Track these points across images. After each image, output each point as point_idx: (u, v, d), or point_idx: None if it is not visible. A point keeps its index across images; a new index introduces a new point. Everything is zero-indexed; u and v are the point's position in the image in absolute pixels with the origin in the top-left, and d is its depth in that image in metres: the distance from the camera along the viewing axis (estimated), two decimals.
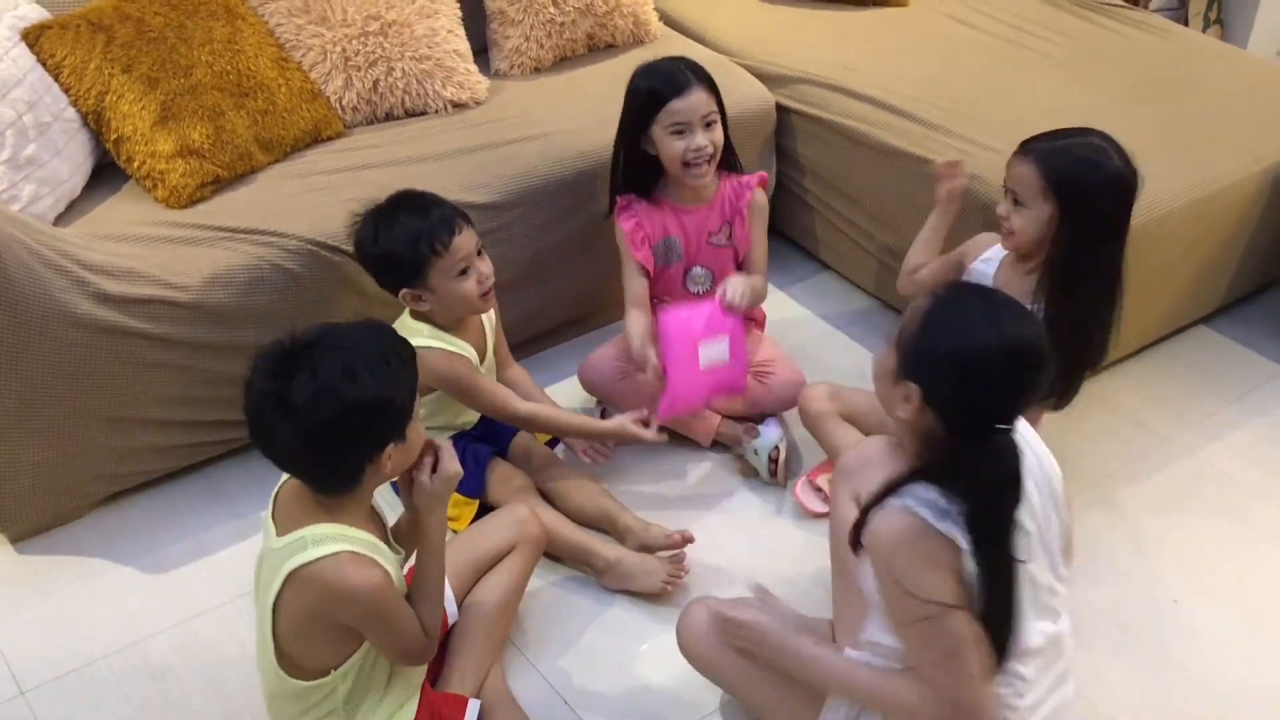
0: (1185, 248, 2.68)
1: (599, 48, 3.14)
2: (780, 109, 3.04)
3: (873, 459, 1.91)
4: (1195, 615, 2.24)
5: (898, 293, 2.51)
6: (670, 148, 2.41)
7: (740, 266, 2.60)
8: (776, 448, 2.45)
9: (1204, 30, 4.11)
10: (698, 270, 2.59)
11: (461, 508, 2.33)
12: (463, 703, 1.90)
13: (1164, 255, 2.64)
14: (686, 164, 2.41)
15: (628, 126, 2.47)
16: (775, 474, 2.47)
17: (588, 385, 2.61)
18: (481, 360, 2.32)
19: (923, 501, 1.55)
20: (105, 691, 2.09)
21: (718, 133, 2.43)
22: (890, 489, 1.59)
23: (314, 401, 1.58)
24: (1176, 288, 2.78)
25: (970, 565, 1.55)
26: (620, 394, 2.54)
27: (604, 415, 2.61)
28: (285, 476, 1.76)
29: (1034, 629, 1.66)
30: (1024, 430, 1.66)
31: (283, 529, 1.70)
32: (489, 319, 2.38)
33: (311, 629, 1.70)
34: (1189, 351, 2.91)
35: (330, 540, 1.66)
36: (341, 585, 1.64)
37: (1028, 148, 2.13)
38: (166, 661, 2.14)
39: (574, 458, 2.48)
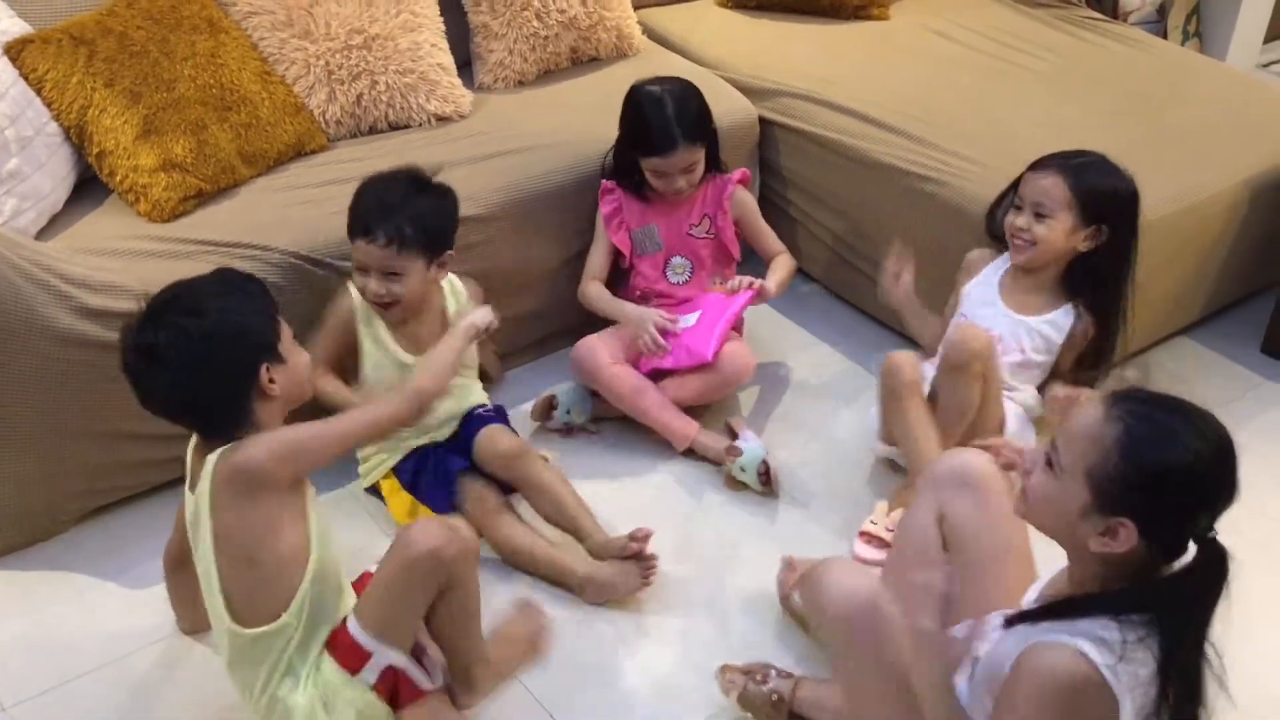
0: (1166, 259, 2.69)
1: (583, 61, 3.15)
2: (763, 122, 3.05)
3: (976, 483, 1.82)
4: None
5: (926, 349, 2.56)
6: (651, 179, 2.57)
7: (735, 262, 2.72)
8: (764, 460, 2.46)
9: (1183, 43, 4.14)
10: (677, 260, 2.64)
11: (398, 494, 2.36)
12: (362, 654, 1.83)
13: (1145, 267, 2.64)
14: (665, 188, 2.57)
15: (621, 139, 2.58)
16: (768, 484, 2.48)
17: (578, 366, 2.60)
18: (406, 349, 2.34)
19: (1098, 641, 1.41)
20: (87, 708, 2.08)
21: (698, 171, 2.56)
22: (1061, 611, 1.47)
23: (171, 344, 1.70)
24: (1157, 299, 2.79)
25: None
26: (608, 378, 2.56)
27: (554, 402, 2.63)
28: (192, 442, 1.82)
29: None
30: None
31: (195, 484, 1.77)
32: (456, 296, 2.41)
33: (252, 523, 1.71)
34: (1169, 362, 2.93)
35: (221, 448, 1.73)
36: (256, 445, 1.70)
37: (1051, 164, 2.31)
38: (148, 678, 2.13)
39: (541, 439, 2.56)
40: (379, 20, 2.79)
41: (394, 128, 2.85)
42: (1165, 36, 4.06)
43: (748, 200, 2.70)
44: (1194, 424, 1.45)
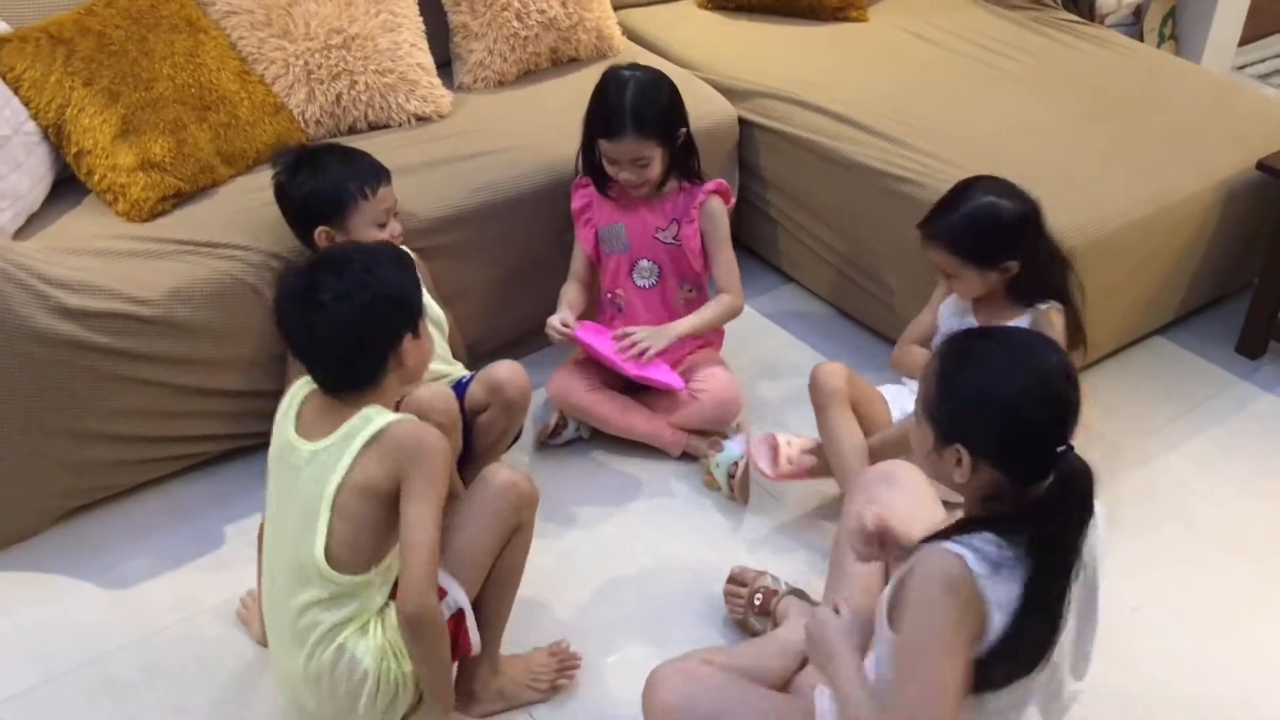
0: (1141, 260, 2.72)
1: (563, 62, 3.16)
2: (742, 123, 3.06)
3: (900, 481, 1.96)
4: (1154, 623, 2.27)
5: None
6: (606, 165, 2.51)
7: (701, 279, 2.64)
8: (736, 464, 2.47)
9: (1159, 45, 4.17)
10: (644, 263, 2.61)
11: None
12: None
13: (1120, 267, 2.67)
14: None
15: (585, 121, 2.52)
16: (734, 490, 2.49)
17: (559, 400, 2.61)
18: None
19: (978, 552, 1.49)
20: (66, 709, 2.07)
21: (652, 170, 2.46)
22: (954, 530, 1.53)
23: (343, 295, 1.76)
24: (1132, 300, 2.82)
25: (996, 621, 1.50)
26: (589, 404, 2.57)
27: (560, 423, 2.63)
28: (295, 398, 1.86)
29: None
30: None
31: (319, 434, 1.80)
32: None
33: (374, 495, 1.76)
34: (1144, 362, 2.95)
35: (390, 414, 1.81)
36: (422, 435, 1.78)
37: (929, 232, 2.27)
38: (127, 678, 2.13)
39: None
40: (358, 20, 2.78)
41: (373, 127, 2.85)
42: (1141, 39, 4.09)
43: (716, 216, 2.55)
44: (1006, 349, 1.54)
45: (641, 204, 2.55)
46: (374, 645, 1.82)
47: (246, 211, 2.50)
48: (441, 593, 1.85)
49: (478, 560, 1.92)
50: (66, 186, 2.56)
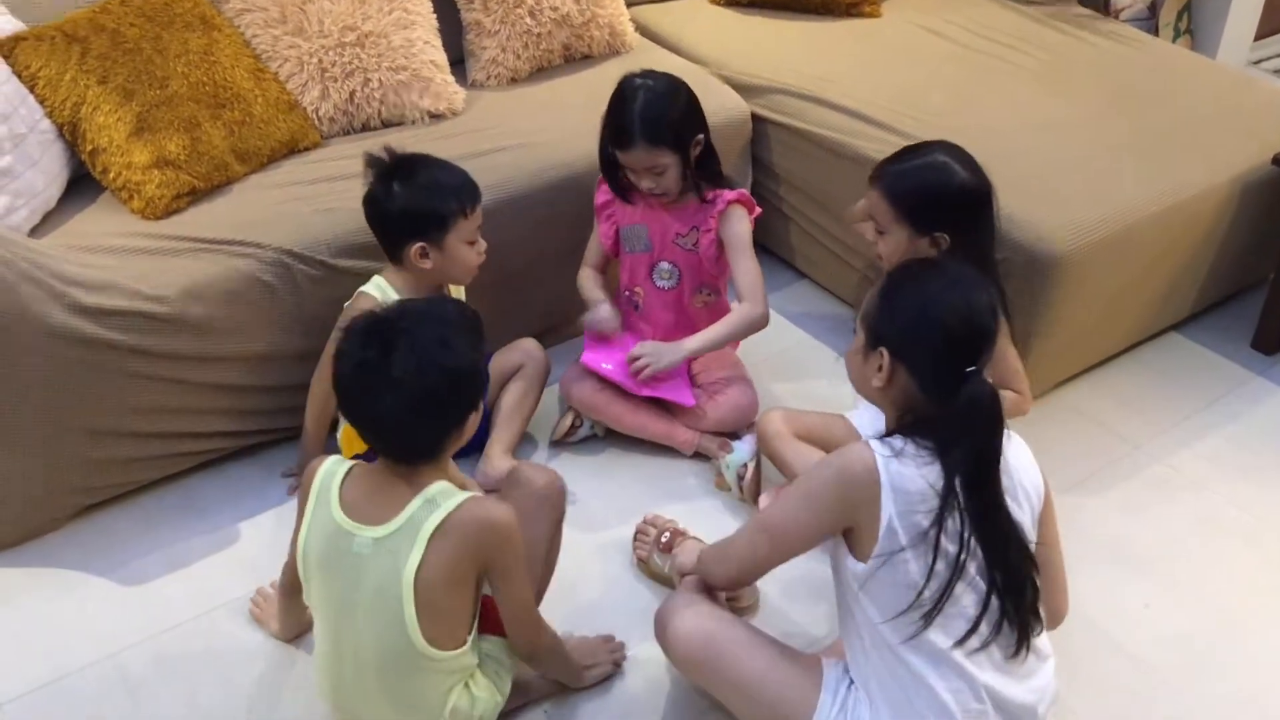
0: (1156, 256, 2.71)
1: (575, 58, 3.16)
2: (756, 119, 3.06)
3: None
4: (1167, 620, 2.26)
5: None
6: (627, 173, 2.49)
7: (720, 281, 2.64)
8: (745, 465, 2.47)
9: (1174, 40, 4.15)
10: (664, 265, 2.60)
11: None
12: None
13: (1135, 263, 2.66)
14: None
15: (601, 130, 2.50)
16: (744, 491, 2.49)
17: (571, 399, 2.62)
18: None
19: (884, 442, 1.66)
20: (80, 705, 2.08)
21: (669, 178, 2.44)
22: (888, 435, 1.70)
23: (417, 372, 1.67)
24: (1148, 295, 2.80)
25: (901, 523, 1.63)
26: (601, 403, 2.57)
27: (576, 423, 2.63)
28: (332, 479, 1.79)
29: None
30: (1010, 450, 1.72)
31: (377, 518, 1.74)
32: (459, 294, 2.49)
33: (458, 584, 1.75)
34: (1159, 358, 2.94)
35: (453, 492, 1.75)
36: (491, 518, 1.74)
37: (876, 175, 2.21)
38: (141, 675, 2.14)
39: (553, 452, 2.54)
40: (372, 17, 2.79)
41: (387, 125, 2.85)
42: (1156, 33, 4.06)
43: (736, 224, 2.50)
44: (943, 272, 1.73)
45: (664, 207, 2.55)
46: (481, 696, 1.87)
47: (261, 209, 2.51)
48: None
49: (537, 556, 1.98)
50: (82, 184, 2.58)
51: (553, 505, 2.02)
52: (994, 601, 1.66)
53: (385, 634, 1.75)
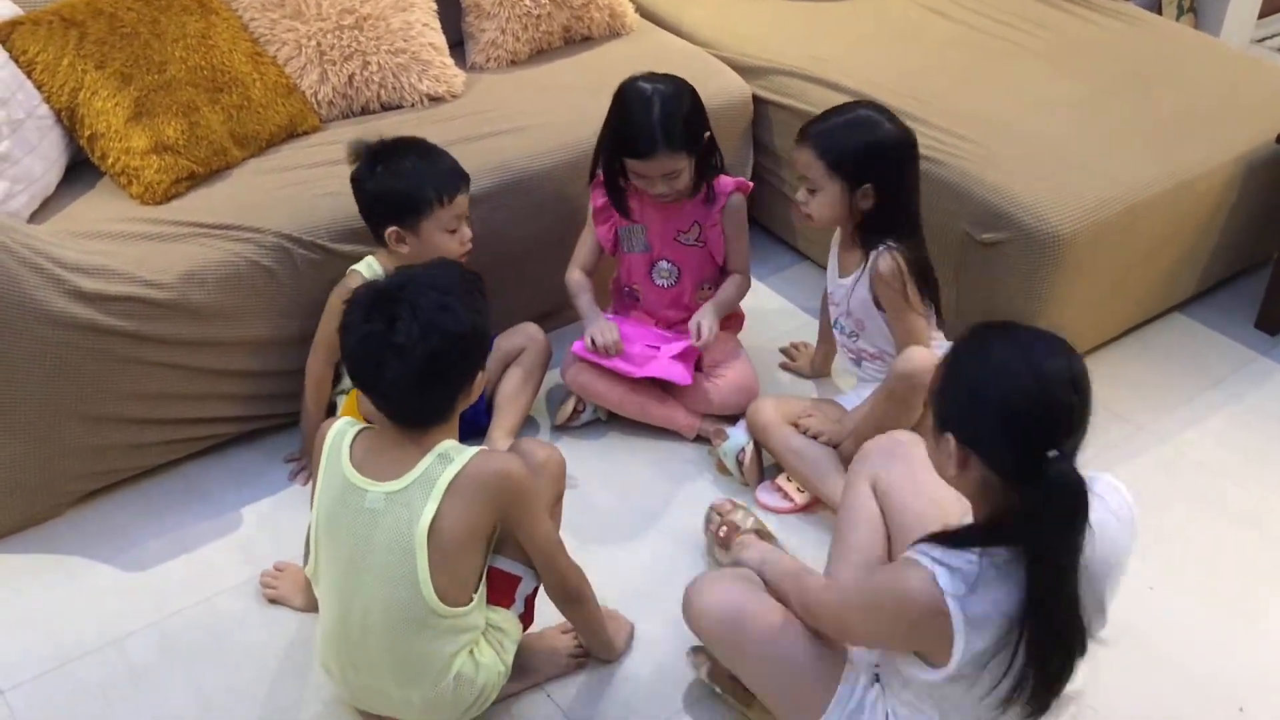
0: (1160, 236, 2.70)
1: (575, 40, 3.14)
2: (757, 101, 3.04)
3: (901, 454, 1.96)
4: (1171, 601, 2.26)
5: None
6: (633, 177, 2.47)
7: (722, 268, 2.63)
8: (743, 449, 2.47)
9: (1177, 19, 4.13)
10: (664, 264, 2.60)
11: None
12: (513, 581, 1.94)
13: (1139, 243, 2.65)
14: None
15: (605, 134, 2.47)
16: (744, 473, 2.49)
17: (573, 385, 2.61)
18: None
19: (954, 571, 1.49)
20: (84, 691, 2.09)
21: (683, 180, 2.43)
22: (942, 538, 1.54)
23: (420, 339, 1.70)
24: (1151, 275, 2.79)
25: (965, 645, 1.51)
26: (603, 389, 2.57)
27: (579, 407, 2.62)
28: (342, 438, 1.81)
29: None
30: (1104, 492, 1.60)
31: (389, 474, 1.76)
32: None
33: (473, 537, 1.77)
34: (1163, 339, 2.93)
35: (464, 448, 1.78)
36: (504, 468, 1.77)
37: (803, 133, 2.28)
38: (145, 660, 2.14)
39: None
40: (370, 0, 2.77)
41: (386, 108, 2.84)
42: (1160, 12, 4.05)
43: (737, 213, 2.56)
44: (1019, 346, 1.50)
45: (662, 206, 2.53)
46: (485, 662, 1.87)
47: (260, 193, 2.50)
48: (515, 580, 1.91)
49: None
50: (80, 170, 2.57)
51: (551, 478, 2.01)
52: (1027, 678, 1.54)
53: (396, 590, 1.76)
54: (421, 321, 1.71)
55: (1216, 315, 3.00)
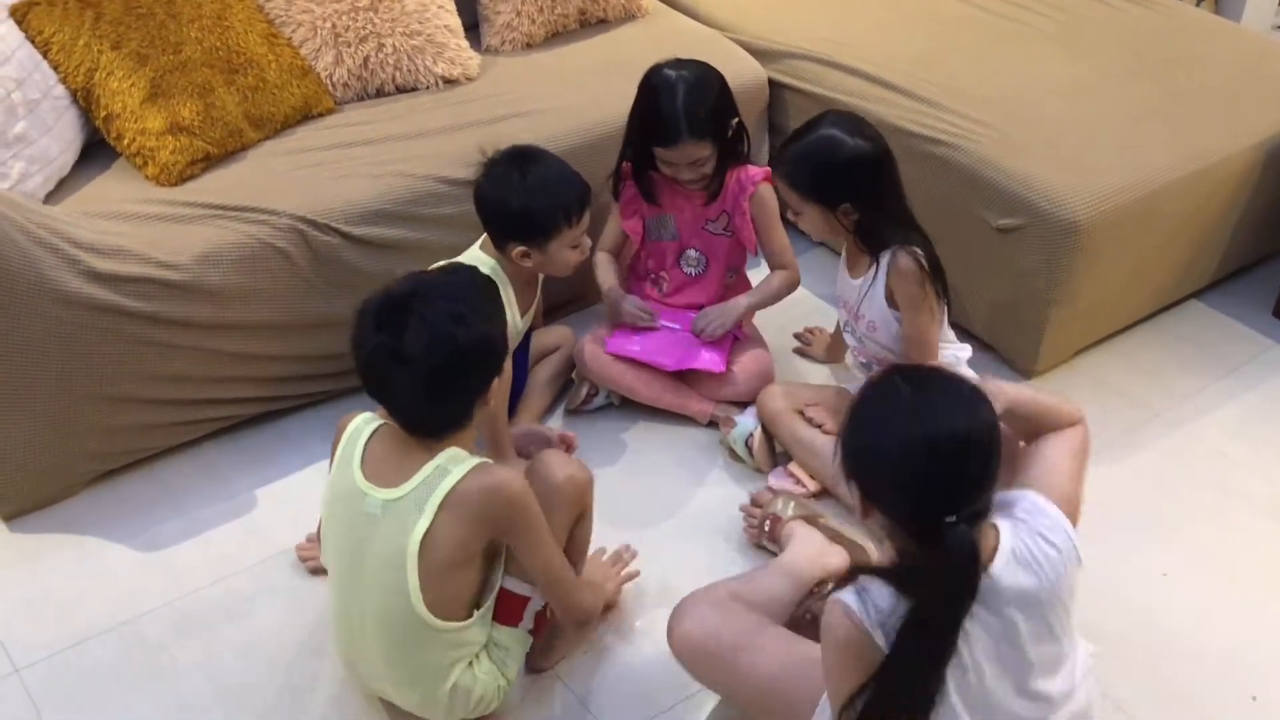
0: (1178, 223, 2.68)
1: (591, 23, 3.13)
2: (773, 85, 3.03)
3: None
4: (1186, 589, 2.25)
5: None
6: (660, 164, 2.46)
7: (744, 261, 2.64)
8: (751, 435, 2.48)
9: (1197, 3, 4.10)
10: (691, 253, 2.59)
11: None
12: (522, 601, 1.92)
13: (1157, 230, 2.64)
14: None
15: (633, 125, 2.47)
16: (755, 458, 2.49)
17: (586, 370, 2.60)
18: (523, 314, 2.40)
19: (871, 603, 1.47)
20: (99, 670, 2.10)
21: (709, 167, 2.44)
22: (854, 574, 1.52)
23: (430, 350, 1.67)
24: (1169, 263, 2.78)
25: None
26: (616, 374, 2.56)
27: (592, 392, 2.62)
28: (359, 436, 1.80)
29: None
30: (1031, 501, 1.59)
31: (391, 480, 1.74)
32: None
33: (466, 554, 1.75)
34: (1180, 326, 2.91)
35: (464, 459, 1.74)
36: (497, 484, 1.72)
37: (772, 163, 2.27)
38: (160, 639, 2.15)
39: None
40: None
41: (401, 90, 2.83)
42: None
43: (767, 201, 2.52)
44: (920, 410, 1.46)
45: (691, 194, 2.52)
46: (484, 676, 1.87)
47: (275, 175, 2.50)
48: (524, 600, 1.89)
49: None
50: (96, 150, 2.57)
51: (568, 500, 1.92)
52: None
53: (390, 598, 1.75)
54: (431, 334, 1.68)
55: (1234, 303, 2.98)
